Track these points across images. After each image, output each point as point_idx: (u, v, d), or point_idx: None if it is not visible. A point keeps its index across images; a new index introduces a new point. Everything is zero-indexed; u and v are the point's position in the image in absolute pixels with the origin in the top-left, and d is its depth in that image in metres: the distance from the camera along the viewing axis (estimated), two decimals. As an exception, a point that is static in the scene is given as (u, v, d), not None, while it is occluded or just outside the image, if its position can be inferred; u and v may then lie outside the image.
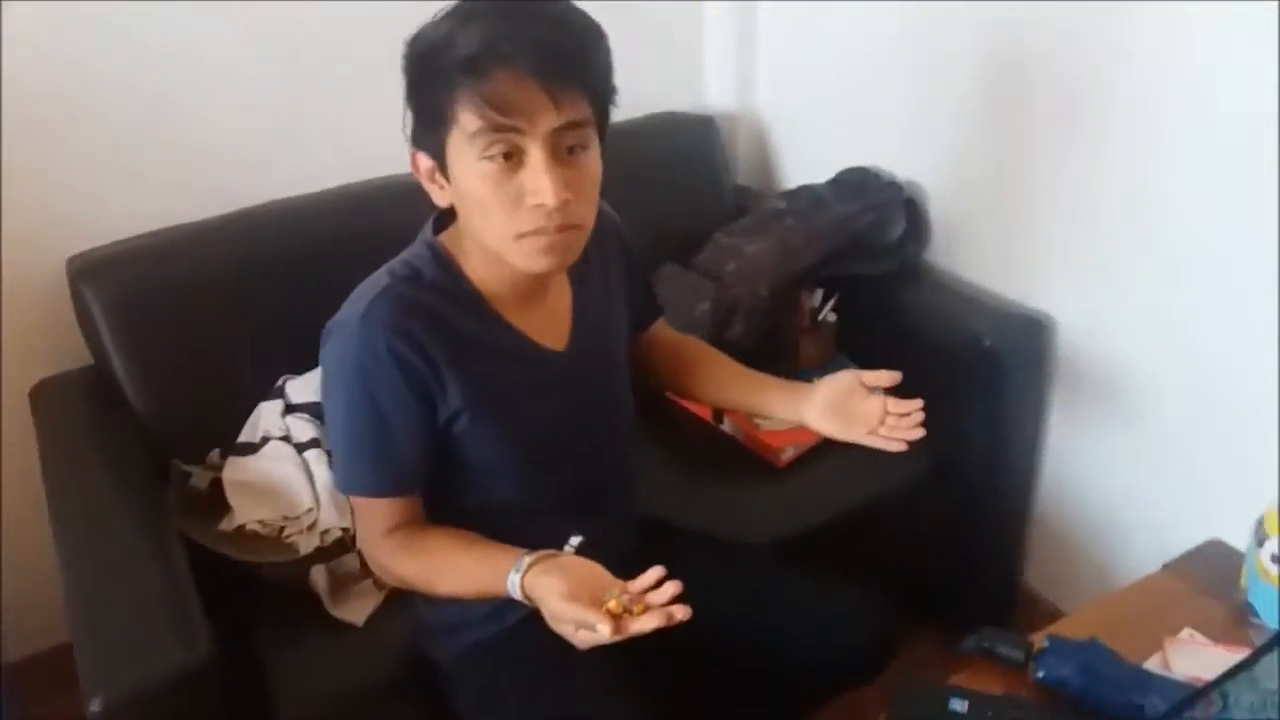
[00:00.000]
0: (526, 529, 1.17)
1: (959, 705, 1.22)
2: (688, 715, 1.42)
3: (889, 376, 1.32)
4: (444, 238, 1.20)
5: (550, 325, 1.27)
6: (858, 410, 1.33)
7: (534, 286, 1.21)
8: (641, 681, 1.31)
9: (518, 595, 1.08)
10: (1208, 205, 1.48)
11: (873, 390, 1.33)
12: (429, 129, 1.10)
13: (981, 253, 1.90)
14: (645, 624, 0.97)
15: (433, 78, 1.06)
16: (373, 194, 1.81)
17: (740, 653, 1.40)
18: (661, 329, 1.52)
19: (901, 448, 1.31)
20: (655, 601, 0.99)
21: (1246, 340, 1.49)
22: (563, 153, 1.07)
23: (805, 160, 2.26)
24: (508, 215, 1.08)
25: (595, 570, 1.06)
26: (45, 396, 1.70)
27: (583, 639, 1.00)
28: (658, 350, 1.51)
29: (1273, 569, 1.32)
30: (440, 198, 1.16)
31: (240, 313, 1.71)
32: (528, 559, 1.08)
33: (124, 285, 1.66)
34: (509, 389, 1.22)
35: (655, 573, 1.01)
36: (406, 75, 1.09)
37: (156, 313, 1.66)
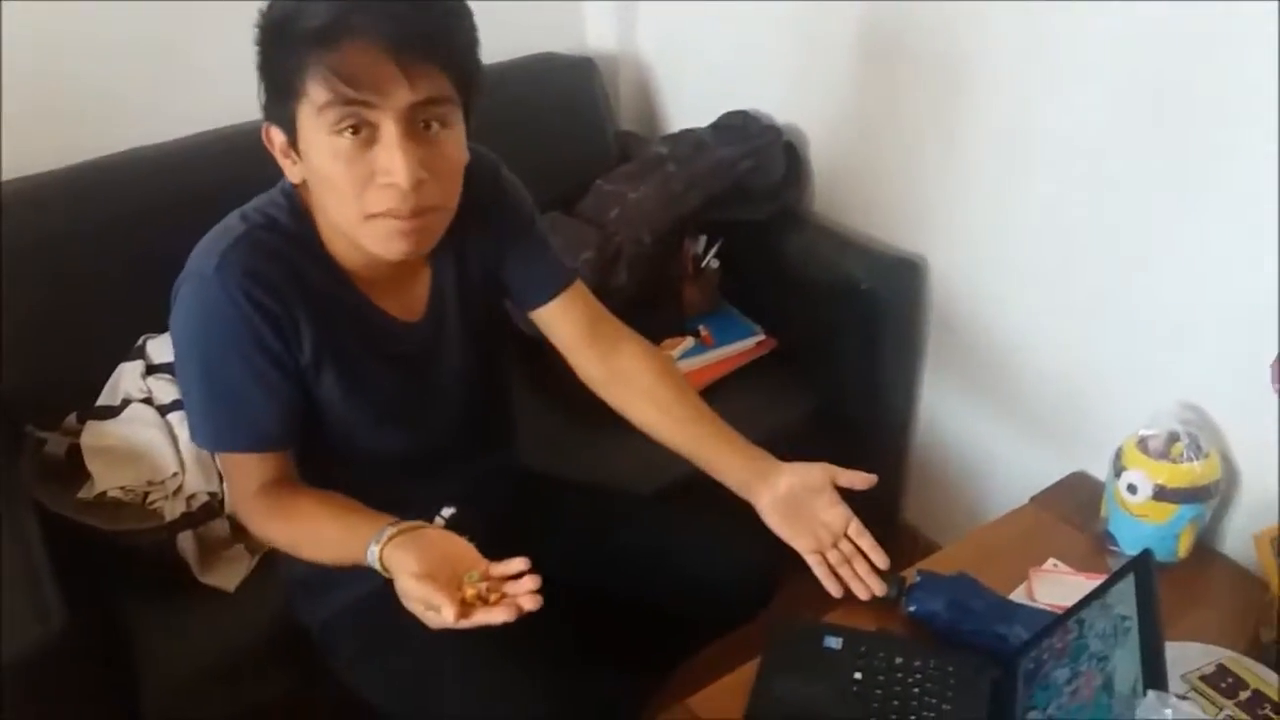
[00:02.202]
0: (390, 485, 1.15)
1: (833, 642, 1.25)
2: (567, 665, 1.41)
3: (865, 479, 1.24)
4: (302, 189, 1.16)
5: (405, 297, 1.23)
6: (817, 516, 1.25)
7: (389, 265, 1.15)
8: (520, 633, 1.30)
9: (376, 567, 1.05)
10: (1078, 151, 1.50)
11: (840, 501, 1.25)
12: (280, 101, 1.05)
13: (860, 198, 1.91)
14: (492, 617, 0.97)
15: (282, 48, 1.01)
16: (238, 141, 1.70)
17: (622, 599, 1.40)
18: (586, 313, 1.36)
19: (838, 591, 1.25)
20: (512, 592, 0.99)
21: (1112, 279, 1.52)
22: (419, 131, 1.03)
23: (687, 104, 2.24)
24: (358, 195, 1.04)
25: (459, 547, 1.04)
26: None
27: (430, 619, 0.99)
28: (585, 344, 1.36)
29: (1129, 498, 1.37)
30: (293, 174, 1.11)
31: (97, 268, 1.62)
32: (390, 530, 1.05)
33: (-33, 241, 1.56)
34: (358, 353, 1.18)
35: (518, 563, 1.01)
36: (259, 45, 1.04)
37: (6, 268, 1.57)
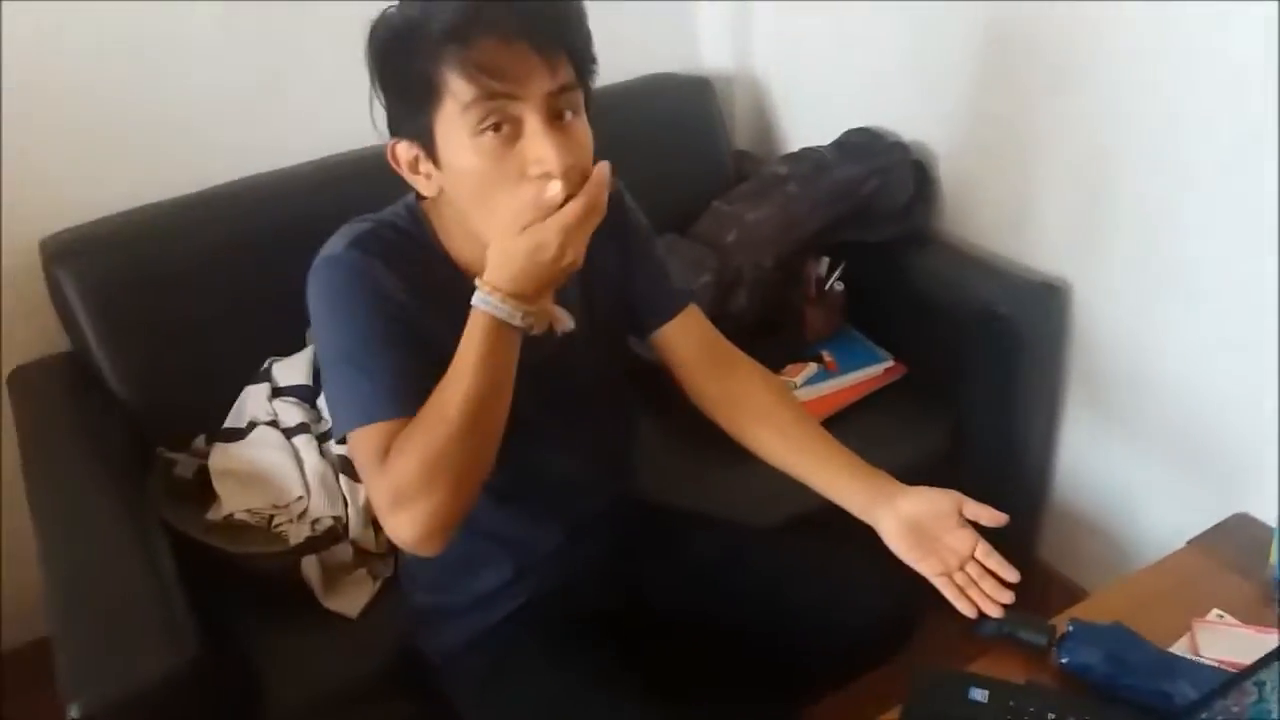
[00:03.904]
0: (513, 511, 1.09)
1: (979, 695, 1.18)
2: (694, 704, 1.37)
3: (995, 517, 1.16)
4: (425, 205, 1.14)
5: None
6: (943, 539, 1.18)
7: None
8: (645, 671, 1.27)
9: (495, 301, 0.99)
10: (1231, 165, 1.42)
11: (968, 523, 1.18)
12: (413, 110, 1.03)
13: (993, 216, 1.83)
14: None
15: (414, 53, 0.99)
16: (353, 167, 1.75)
17: (750, 637, 1.35)
18: (702, 337, 1.33)
19: (970, 611, 1.17)
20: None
21: (1275, 306, 1.42)
22: (557, 119, 1.01)
23: (807, 122, 2.18)
24: (510, 194, 1.00)
25: None
26: (21, 384, 1.66)
27: (549, 245, 0.96)
28: (701, 369, 1.32)
29: (1304, 546, 1.27)
30: (427, 187, 1.09)
31: (222, 293, 1.65)
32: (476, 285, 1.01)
33: (100, 267, 1.60)
34: None
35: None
36: (377, 60, 1.03)
37: (135, 295, 1.61)
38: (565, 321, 1.20)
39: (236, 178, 1.75)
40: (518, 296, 0.98)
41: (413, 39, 0.99)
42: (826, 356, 1.90)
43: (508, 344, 1.01)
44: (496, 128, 0.99)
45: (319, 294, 1.10)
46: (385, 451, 1.02)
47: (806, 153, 2.00)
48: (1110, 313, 1.68)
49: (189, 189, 1.71)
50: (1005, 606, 1.17)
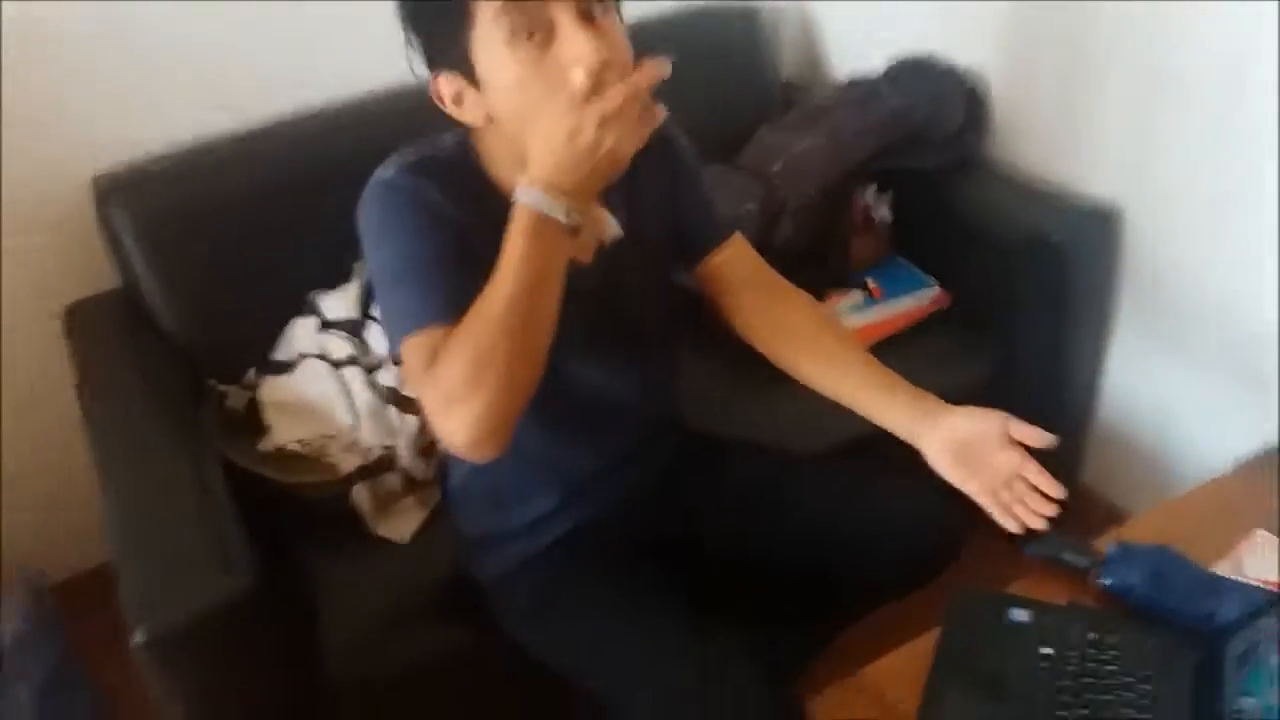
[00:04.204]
0: (558, 435, 1.10)
1: (1020, 615, 1.19)
2: (741, 623, 1.38)
3: (1043, 438, 1.14)
4: (474, 137, 1.14)
5: (580, 236, 1.18)
6: (989, 459, 1.15)
7: None
8: (692, 592, 1.28)
9: (536, 193, 0.97)
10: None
11: (1014, 443, 1.15)
12: (447, 39, 1.02)
13: (1047, 143, 1.79)
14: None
15: None
16: (406, 100, 1.71)
17: (794, 560, 1.36)
18: (746, 266, 1.32)
19: (1016, 527, 1.16)
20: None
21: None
22: (588, 19, 1.00)
23: (856, 51, 2.13)
24: (552, 100, 0.97)
25: None
26: (77, 320, 1.69)
27: (591, 124, 0.94)
28: (746, 298, 1.31)
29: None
30: (475, 115, 1.08)
31: (270, 228, 1.66)
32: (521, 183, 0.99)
33: (151, 204, 1.62)
34: None
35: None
36: None
37: (185, 231, 1.63)
38: (611, 227, 1.18)
39: (288, 112, 1.76)
40: (560, 189, 0.96)
41: None
42: (871, 283, 1.88)
43: (552, 241, 0.98)
44: (530, 35, 0.98)
45: (373, 216, 1.09)
46: (434, 357, 1.00)
47: (856, 83, 1.97)
48: (1162, 239, 1.64)
49: (242, 125, 1.73)
50: (1049, 525, 1.16)
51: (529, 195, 0.97)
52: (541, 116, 0.98)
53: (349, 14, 1.79)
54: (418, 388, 1.07)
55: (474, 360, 0.97)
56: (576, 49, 0.98)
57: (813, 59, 2.25)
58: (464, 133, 1.14)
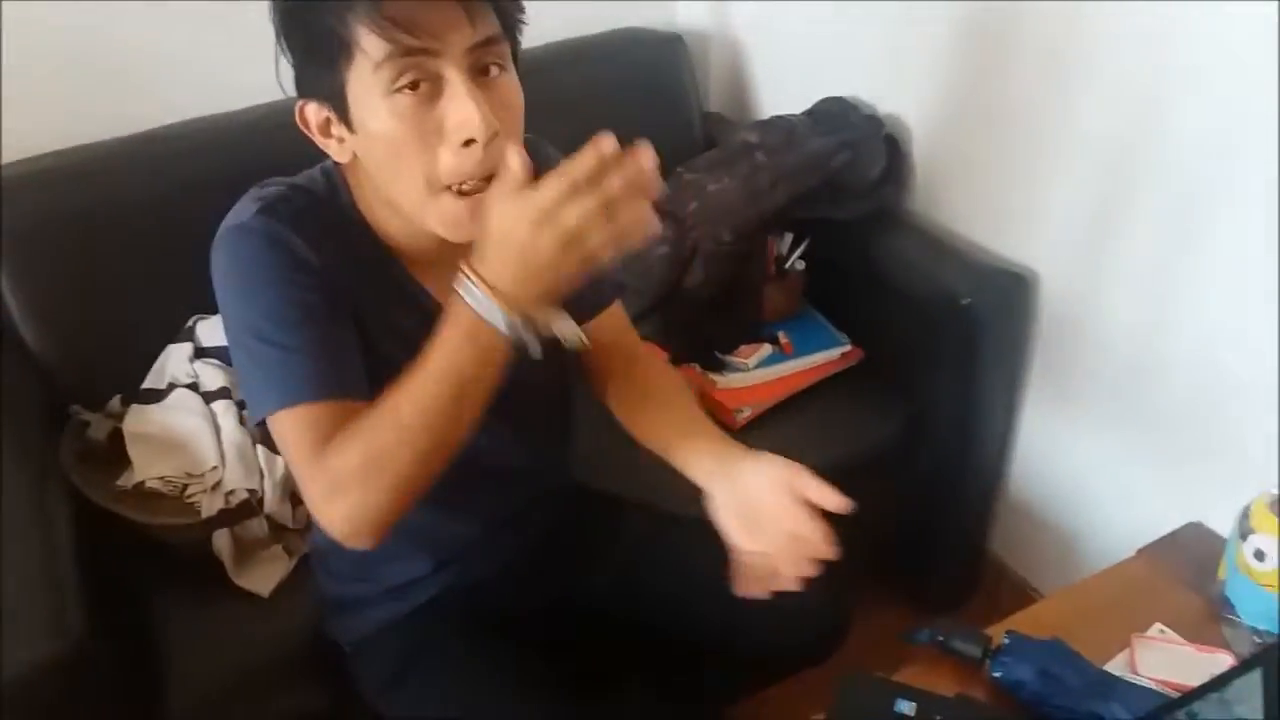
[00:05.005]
0: (442, 498, 0.99)
1: (905, 707, 1.13)
2: (614, 701, 1.32)
3: (836, 502, 0.98)
4: (345, 169, 1.05)
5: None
6: (775, 518, 1.00)
7: (444, 247, 1.02)
8: (565, 666, 1.22)
9: (479, 292, 0.88)
10: (1214, 160, 1.35)
11: (803, 501, 1.00)
12: (321, 69, 0.93)
13: (965, 200, 1.76)
14: None
15: (320, 7, 0.90)
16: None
17: (678, 632, 1.30)
18: (615, 330, 1.26)
19: (743, 591, 1.06)
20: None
21: (1247, 310, 1.37)
22: (481, 77, 0.93)
23: (782, 86, 2.10)
24: (427, 160, 0.92)
25: None
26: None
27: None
28: (612, 360, 1.25)
29: (1254, 564, 1.21)
30: (340, 152, 1.00)
31: (148, 244, 1.56)
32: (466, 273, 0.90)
33: (18, 212, 1.51)
34: (397, 338, 1.03)
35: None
36: (281, 15, 0.94)
37: (55, 243, 1.53)
38: (568, 332, 1.05)
39: (173, 121, 1.66)
40: (511, 300, 0.87)
41: None
42: (783, 337, 1.84)
43: (489, 350, 0.90)
44: (414, 86, 0.90)
45: (227, 266, 0.99)
46: (320, 436, 0.93)
47: (778, 120, 1.92)
48: (1075, 304, 1.62)
49: (120, 132, 1.63)
50: (942, 616, 1.11)
51: (472, 295, 0.88)
52: (415, 175, 0.91)
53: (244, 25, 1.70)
54: (299, 467, 0.97)
55: (373, 457, 0.91)
56: (463, 115, 0.90)
57: (739, 91, 2.21)
58: (332, 163, 1.05)
